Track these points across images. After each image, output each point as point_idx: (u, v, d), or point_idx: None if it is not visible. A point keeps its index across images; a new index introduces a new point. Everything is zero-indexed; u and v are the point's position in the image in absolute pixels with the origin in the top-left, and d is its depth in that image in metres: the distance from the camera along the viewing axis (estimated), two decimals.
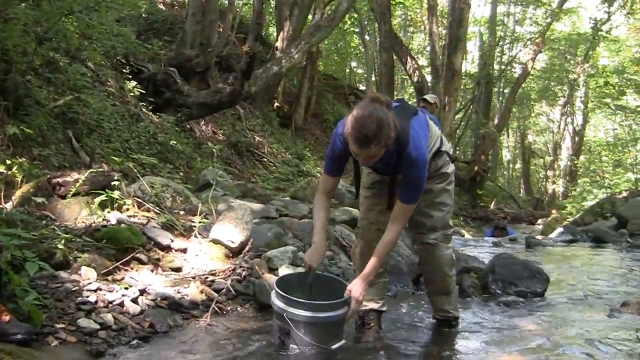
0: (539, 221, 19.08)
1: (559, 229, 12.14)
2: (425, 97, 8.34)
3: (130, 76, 11.17)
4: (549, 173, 34.31)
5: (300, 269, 4.30)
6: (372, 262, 3.24)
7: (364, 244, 3.63)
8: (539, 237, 10.97)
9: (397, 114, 3.09)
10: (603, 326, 4.04)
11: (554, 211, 22.48)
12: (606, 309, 4.55)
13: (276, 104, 18.97)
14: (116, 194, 4.79)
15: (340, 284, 3.35)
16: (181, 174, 9.72)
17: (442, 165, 3.57)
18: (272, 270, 4.45)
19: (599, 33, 26.36)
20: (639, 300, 4.62)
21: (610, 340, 3.65)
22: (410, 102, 3.79)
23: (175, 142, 10.58)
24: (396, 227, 3.26)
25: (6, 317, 2.78)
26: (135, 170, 5.89)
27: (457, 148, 28.86)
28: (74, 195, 4.82)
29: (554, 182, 32.71)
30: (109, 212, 4.63)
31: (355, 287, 3.18)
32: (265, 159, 14.84)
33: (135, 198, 5.07)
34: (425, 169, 3.16)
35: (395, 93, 25.65)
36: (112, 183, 5.00)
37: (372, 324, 3.70)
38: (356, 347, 3.43)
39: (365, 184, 3.66)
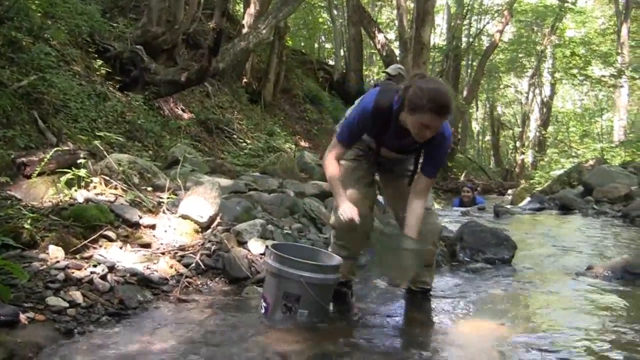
0: (509, 191, 19.27)
1: (528, 198, 12.29)
2: (386, 70, 8.31)
3: (96, 55, 10.97)
4: (518, 144, 34.61)
5: (270, 242, 4.34)
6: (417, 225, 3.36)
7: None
8: (508, 206, 11.09)
9: None
10: (569, 289, 4.15)
11: (523, 181, 22.75)
12: (572, 273, 4.66)
13: (245, 80, 18.79)
14: (83, 172, 4.76)
15: (324, 254, 3.52)
16: (150, 152, 9.64)
17: None
18: (241, 243, 4.47)
19: (565, 4, 26.55)
20: (603, 264, 4.73)
21: (575, 303, 3.75)
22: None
23: (143, 121, 10.49)
24: (424, 201, 3.41)
25: None
26: (102, 149, 5.83)
27: None
28: (39, 174, 4.78)
29: (522, 153, 33.04)
30: (75, 190, 4.61)
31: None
32: (235, 136, 14.75)
33: (103, 176, 5.03)
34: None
35: (364, 67, 25.65)
36: (79, 161, 4.98)
37: (348, 295, 3.72)
38: (329, 317, 3.43)
39: (347, 157, 3.61)
